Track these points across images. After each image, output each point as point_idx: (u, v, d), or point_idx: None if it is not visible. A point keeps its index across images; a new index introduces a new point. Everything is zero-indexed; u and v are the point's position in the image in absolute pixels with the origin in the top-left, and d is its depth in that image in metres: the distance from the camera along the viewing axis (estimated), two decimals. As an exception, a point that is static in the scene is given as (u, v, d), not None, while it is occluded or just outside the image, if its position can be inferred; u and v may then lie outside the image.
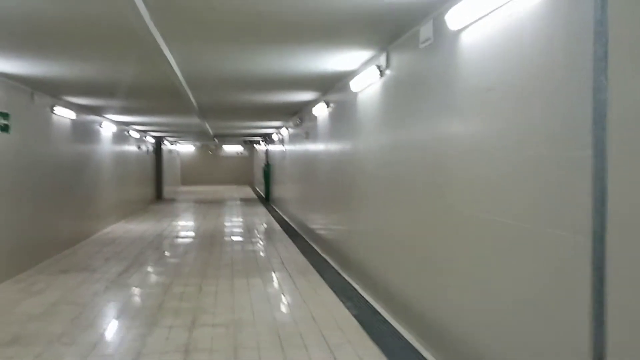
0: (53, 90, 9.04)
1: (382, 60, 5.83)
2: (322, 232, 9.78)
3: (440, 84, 4.26)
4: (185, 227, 14.18)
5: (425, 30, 4.54)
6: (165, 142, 25.16)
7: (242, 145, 35.57)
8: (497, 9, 3.35)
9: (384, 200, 5.88)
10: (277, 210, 18.47)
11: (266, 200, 22.81)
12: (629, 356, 2.36)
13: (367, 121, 6.60)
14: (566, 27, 2.74)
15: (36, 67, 7.11)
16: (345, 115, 7.84)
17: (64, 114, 10.15)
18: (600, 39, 2.45)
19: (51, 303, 6.29)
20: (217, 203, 22.30)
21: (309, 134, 11.37)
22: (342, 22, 4.90)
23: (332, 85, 8.29)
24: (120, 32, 5.18)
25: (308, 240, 11.18)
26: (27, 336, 5.17)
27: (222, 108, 11.88)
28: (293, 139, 14.47)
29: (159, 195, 23.43)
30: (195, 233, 12.95)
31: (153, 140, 21.79)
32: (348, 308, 5.93)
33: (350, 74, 7.08)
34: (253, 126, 18.20)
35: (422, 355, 4.48)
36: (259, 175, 29.06)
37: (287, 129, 15.58)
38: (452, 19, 3.89)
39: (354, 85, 6.88)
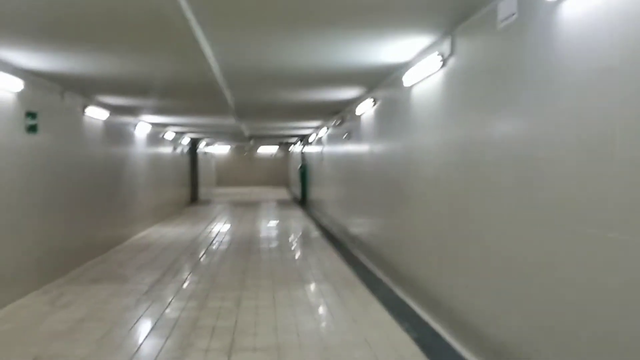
0: (84, 89, 8.59)
1: (445, 47, 5.11)
2: (367, 239, 9.08)
3: (533, 70, 3.52)
4: (220, 231, 13.67)
5: (507, 5, 3.80)
6: (201, 143, 24.84)
7: (278, 147, 35.13)
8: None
9: (449, 206, 5.14)
10: (314, 213, 17.84)
11: (302, 202, 22.23)
12: None
13: (424, 118, 5.88)
14: None
15: (65, 63, 6.62)
16: (395, 112, 7.12)
17: (96, 115, 9.72)
18: None
19: (78, 319, 5.76)
20: (253, 205, 21.82)
21: (351, 134, 10.68)
22: (401, 2, 4.22)
23: (380, 80, 7.58)
24: (154, 20, 4.63)
25: (350, 247, 10.49)
26: (48, 358, 4.63)
27: (259, 108, 11.30)
28: (332, 139, 13.81)
29: (194, 197, 23.10)
30: (231, 238, 12.41)
31: (188, 142, 21.44)
32: (406, 330, 5.21)
33: (403, 67, 6.36)
34: (290, 127, 17.62)
35: (504, 395, 3.76)
36: (294, 176, 28.52)
37: (326, 129, 14.93)
38: (550, -13, 3.16)
39: (408, 78, 6.16)
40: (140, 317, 5.89)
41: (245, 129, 17.57)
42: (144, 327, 5.61)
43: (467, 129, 4.73)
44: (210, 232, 13.52)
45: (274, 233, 13.29)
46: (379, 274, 7.84)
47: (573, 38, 3.06)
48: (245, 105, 10.82)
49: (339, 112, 12.00)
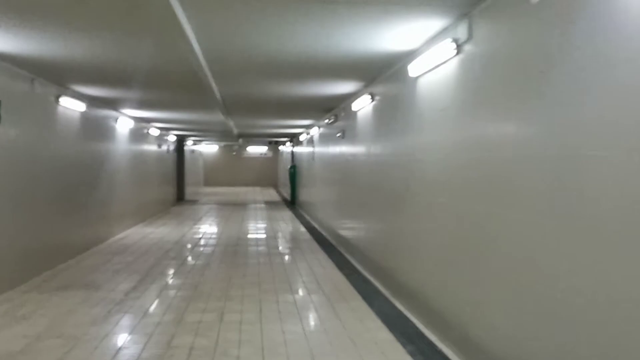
0: (57, 77, 7.86)
1: (460, 31, 4.48)
2: (361, 244, 8.43)
3: (581, 56, 2.88)
4: (206, 233, 12.96)
5: (546, -25, 3.17)
6: (188, 141, 24.09)
7: (267, 146, 34.44)
8: None
9: (459, 212, 4.51)
10: (304, 214, 17.18)
11: (292, 203, 21.57)
12: None
13: (433, 114, 5.24)
14: None
15: (34, 46, 5.92)
16: (397, 109, 6.49)
17: (72, 106, 8.99)
18: None
19: (36, 335, 5.06)
20: (241, 205, 21.11)
21: (346, 133, 10.04)
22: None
23: (380, 72, 6.94)
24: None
25: (343, 251, 9.85)
26: (-6, 386, 3.95)
27: (248, 102, 10.63)
28: (325, 138, 13.16)
29: (180, 197, 22.34)
30: (218, 240, 11.71)
31: (174, 139, 20.69)
32: (411, 354, 4.57)
33: (409, 55, 5.73)
34: (280, 125, 16.95)
35: None
36: (283, 177, 27.85)
37: (318, 128, 14.28)
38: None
39: (414, 68, 5.52)
40: (108, 334, 5.19)
41: (234, 126, 16.87)
42: (111, 346, 4.91)
43: (486, 126, 4.11)
44: (195, 233, 12.81)
45: (262, 235, 12.61)
46: (376, 283, 7.20)
47: (642, 7, 2.43)
48: (234, 100, 10.15)
49: (333, 110, 11.36)
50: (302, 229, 13.79)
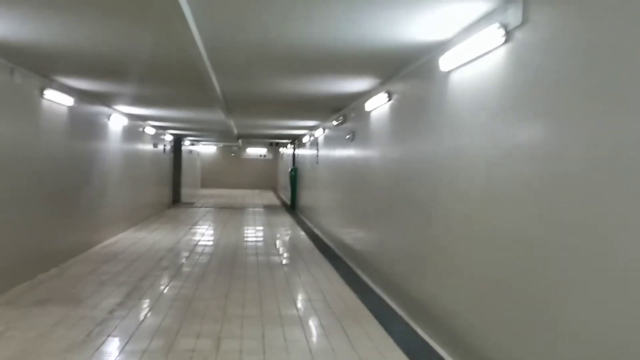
0: (42, 67, 7.12)
1: (511, 14, 3.73)
2: (373, 258, 7.68)
3: None
4: (202, 239, 12.19)
5: None
6: (186, 141, 23.33)
7: (267, 148, 33.70)
8: None
9: (509, 233, 3.76)
10: (305, 220, 16.42)
11: (292, 208, 20.82)
12: None
13: (470, 114, 4.49)
14: None
15: (14, 30, 5.19)
16: (421, 108, 5.74)
17: (58, 100, 8.23)
18: None
19: (-1, 365, 4.30)
20: (239, 209, 20.34)
21: (356, 135, 9.29)
22: None
23: (401, 66, 6.19)
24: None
25: (350, 263, 9.09)
26: None
27: (251, 100, 9.88)
28: (331, 141, 12.40)
29: (176, 199, 21.55)
30: (214, 248, 10.93)
31: (171, 139, 19.91)
32: (446, 400, 3.81)
33: (440, 46, 4.98)
34: (282, 126, 16.20)
35: None
36: (283, 180, 27.11)
37: (323, 129, 13.53)
38: None
39: (448, 60, 4.78)
40: (84, 364, 4.43)
41: (234, 126, 16.12)
42: (87, 380, 4.15)
43: (547, 131, 3.36)
44: (191, 240, 12.04)
45: (261, 243, 11.84)
46: (391, 302, 6.44)
47: None
48: (235, 97, 9.40)
49: (341, 110, 10.61)
50: (304, 236, 13.03)
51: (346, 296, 6.88)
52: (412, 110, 6.08)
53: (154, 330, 5.35)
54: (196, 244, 11.34)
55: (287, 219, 17.37)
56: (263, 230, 14.34)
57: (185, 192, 23.12)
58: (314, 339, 5.25)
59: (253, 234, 13.71)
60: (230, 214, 18.34)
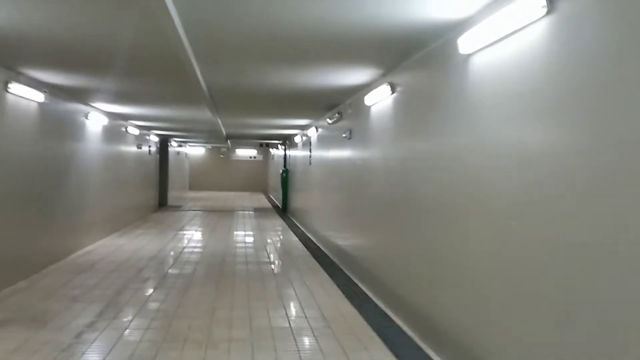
0: (6, 58, 6.37)
1: (558, -22, 3.05)
2: (374, 268, 6.96)
3: None
4: (188, 246, 11.42)
5: None
6: (173, 142, 22.52)
7: (257, 149, 32.94)
8: None
9: (568, 248, 3.06)
10: (297, 224, 15.70)
11: (283, 210, 20.08)
12: None
13: (497, 104, 3.79)
14: None
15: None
16: (434, 99, 5.04)
17: (26, 95, 7.46)
18: None
19: None
20: (228, 212, 19.57)
21: (354, 133, 8.59)
22: None
23: (408, 53, 5.49)
24: None
25: (347, 271, 8.39)
26: None
27: (239, 96, 9.15)
28: (325, 140, 11.69)
29: (162, 202, 20.73)
30: (201, 255, 10.17)
31: (157, 140, 19.10)
32: None
33: (458, 26, 4.29)
34: (273, 125, 15.47)
35: None
36: (274, 182, 26.37)
37: (316, 128, 12.82)
38: None
39: (469, 41, 4.07)
40: (36, 408, 3.67)
41: (223, 126, 15.36)
42: None
43: (610, 120, 2.67)
44: (176, 246, 11.27)
45: (251, 249, 11.09)
46: (397, 319, 5.73)
47: None
48: (222, 92, 8.66)
49: (336, 107, 9.91)
50: (297, 241, 12.31)
51: (346, 312, 6.16)
52: (421, 103, 5.37)
53: (127, 357, 4.60)
54: (181, 251, 10.58)
55: (278, 222, 16.63)
56: (253, 234, 13.59)
57: (172, 194, 22.31)
58: (313, 367, 4.54)
59: (242, 239, 12.96)
60: (219, 218, 17.58)
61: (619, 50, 2.60)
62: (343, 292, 7.11)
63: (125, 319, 5.79)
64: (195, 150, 33.17)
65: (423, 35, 4.71)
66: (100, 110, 11.20)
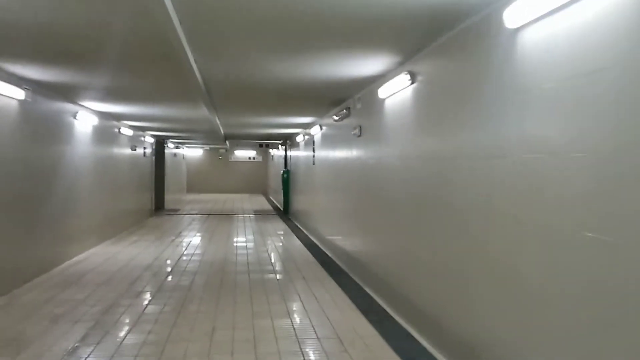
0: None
1: None
2: (391, 277, 6.25)
3: None
4: (186, 253, 10.70)
5: None
6: (169, 143, 21.80)
7: (257, 150, 32.22)
8: None
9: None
10: (300, 227, 14.98)
11: (285, 213, 19.35)
12: None
13: (564, 86, 3.07)
14: None
15: None
16: (466, 87, 4.33)
17: (4, 92, 6.75)
18: None
19: None
20: (228, 216, 18.84)
21: (364, 130, 7.87)
22: None
23: (432, 35, 4.77)
24: None
25: (359, 281, 7.68)
26: None
27: (237, 91, 8.42)
28: (330, 138, 10.97)
29: (159, 206, 19.99)
30: (199, 264, 9.45)
31: (153, 141, 18.36)
32: None
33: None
34: (273, 124, 14.74)
35: None
36: (274, 183, 25.64)
37: (320, 127, 12.10)
38: None
39: (518, 13, 3.36)
40: None
41: (221, 125, 14.64)
42: None
43: None
44: (172, 254, 10.54)
45: (253, 257, 10.35)
46: (426, 343, 5.01)
47: None
48: (220, 87, 7.94)
49: (343, 102, 9.20)
50: (301, 246, 11.59)
51: (364, 332, 5.43)
52: (451, 93, 4.65)
53: (111, 396, 3.89)
54: (178, 260, 9.85)
55: (280, 225, 15.91)
56: (254, 239, 12.86)
57: (169, 198, 21.58)
58: (332, 406, 3.82)
59: (243, 244, 12.24)
60: (218, 222, 16.85)
61: None
62: (357, 306, 6.39)
63: (112, 344, 5.06)
64: (193, 152, 32.44)
65: (455, 9, 4.00)
66: (90, 109, 10.49)
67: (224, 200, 27.14)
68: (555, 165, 3.08)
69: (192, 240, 12.73)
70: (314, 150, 13.23)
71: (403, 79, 5.74)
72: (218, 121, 13.12)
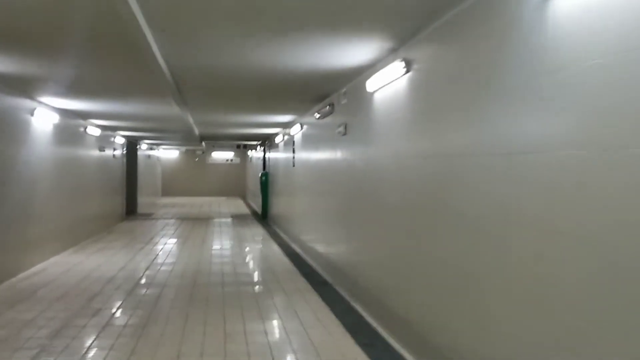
0: None
1: None
2: (383, 292, 5.53)
3: None
4: (155, 263, 9.87)
5: None
6: (143, 145, 20.86)
7: (234, 151, 31.35)
8: None
9: None
10: (279, 233, 14.21)
11: (263, 217, 18.56)
12: None
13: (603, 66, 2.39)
14: None
15: None
16: (480, 75, 3.63)
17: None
18: None
19: None
20: (204, 220, 17.98)
21: (350, 128, 7.16)
22: None
23: (433, 13, 4.07)
24: None
25: (345, 294, 6.97)
26: None
27: (209, 83, 7.66)
28: (313, 138, 10.24)
29: (131, 210, 19.02)
30: (169, 275, 8.62)
31: (124, 142, 17.42)
32: None
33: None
34: (251, 123, 13.98)
35: None
36: (253, 186, 24.81)
37: (300, 125, 11.36)
38: None
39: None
40: None
41: (195, 125, 13.82)
42: None
43: None
44: (140, 264, 9.69)
45: (229, 266, 9.55)
46: (423, 370, 4.31)
47: None
48: (189, 79, 7.17)
49: (326, 98, 8.49)
50: (280, 253, 10.84)
51: (353, 356, 4.71)
52: (458, 79, 3.96)
53: None
54: (145, 270, 9.02)
55: (258, 230, 15.13)
56: (231, 246, 12.07)
57: (142, 201, 20.63)
58: None
59: (219, 252, 11.43)
60: (193, 226, 16.00)
61: None
62: (344, 325, 5.66)
63: (55, 379, 4.26)
64: (169, 154, 31.43)
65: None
66: (50, 106, 9.61)
67: (201, 203, 26.22)
68: (576, 161, 2.38)
69: (164, 247, 11.88)
70: (294, 151, 12.49)
71: (397, 67, 5.03)
72: (191, 120, 12.30)
